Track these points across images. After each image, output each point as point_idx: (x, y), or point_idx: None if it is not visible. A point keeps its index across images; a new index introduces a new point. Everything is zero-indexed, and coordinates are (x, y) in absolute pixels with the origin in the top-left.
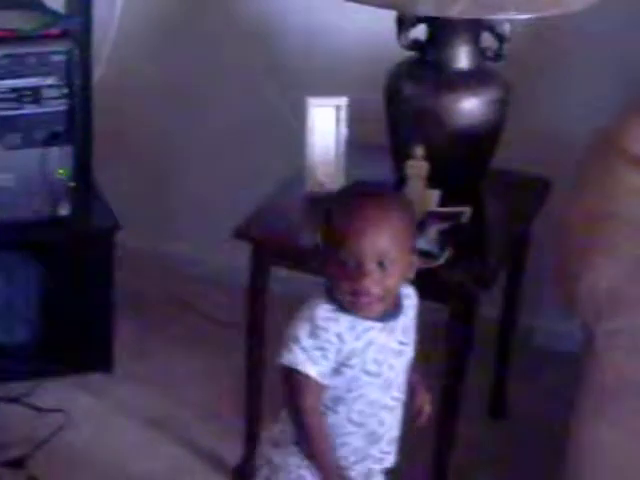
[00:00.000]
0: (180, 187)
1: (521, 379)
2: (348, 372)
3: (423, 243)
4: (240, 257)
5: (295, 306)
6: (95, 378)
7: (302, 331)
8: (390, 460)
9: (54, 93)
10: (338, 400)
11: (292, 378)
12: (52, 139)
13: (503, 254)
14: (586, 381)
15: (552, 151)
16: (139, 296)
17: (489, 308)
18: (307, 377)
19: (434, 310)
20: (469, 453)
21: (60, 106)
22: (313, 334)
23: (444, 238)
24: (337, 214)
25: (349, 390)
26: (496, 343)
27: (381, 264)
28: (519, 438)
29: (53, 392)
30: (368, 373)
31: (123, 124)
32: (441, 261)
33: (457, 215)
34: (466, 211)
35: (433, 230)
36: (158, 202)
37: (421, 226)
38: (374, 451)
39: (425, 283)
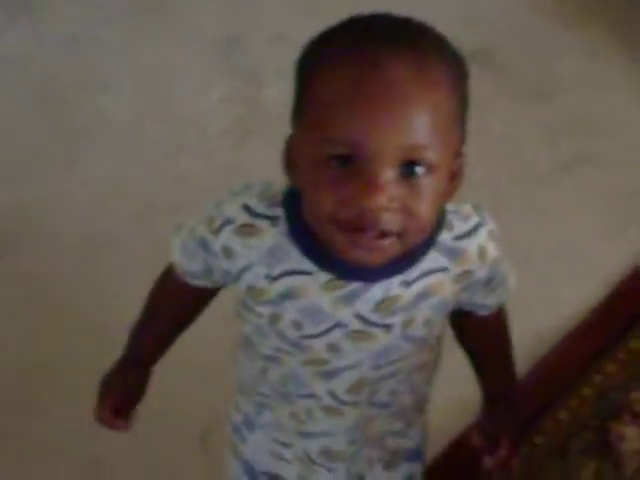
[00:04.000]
0: None
1: None
2: (252, 316)
3: None
4: None
5: None
6: None
7: (201, 219)
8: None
9: None
10: (248, 342)
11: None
12: None
13: None
14: None
15: None
16: None
17: None
18: (175, 267)
19: None
20: None
21: None
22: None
23: None
24: (321, 65)
25: (261, 336)
26: None
27: (409, 170)
28: None
29: None
30: (282, 336)
31: None
32: None
33: None
34: None
35: None
36: None
37: None
38: (304, 445)
39: None
